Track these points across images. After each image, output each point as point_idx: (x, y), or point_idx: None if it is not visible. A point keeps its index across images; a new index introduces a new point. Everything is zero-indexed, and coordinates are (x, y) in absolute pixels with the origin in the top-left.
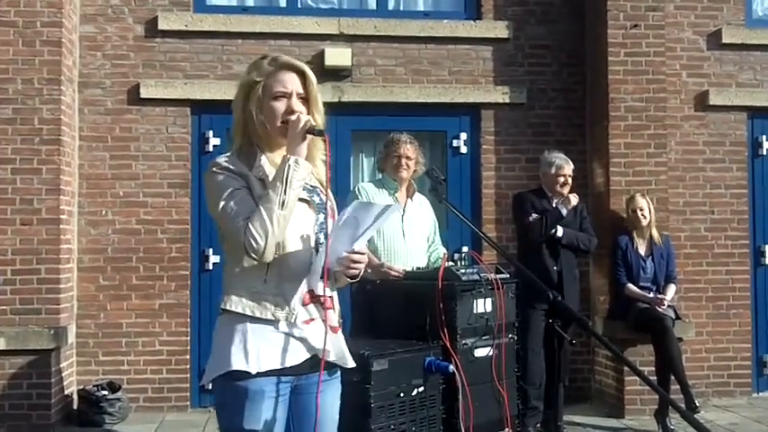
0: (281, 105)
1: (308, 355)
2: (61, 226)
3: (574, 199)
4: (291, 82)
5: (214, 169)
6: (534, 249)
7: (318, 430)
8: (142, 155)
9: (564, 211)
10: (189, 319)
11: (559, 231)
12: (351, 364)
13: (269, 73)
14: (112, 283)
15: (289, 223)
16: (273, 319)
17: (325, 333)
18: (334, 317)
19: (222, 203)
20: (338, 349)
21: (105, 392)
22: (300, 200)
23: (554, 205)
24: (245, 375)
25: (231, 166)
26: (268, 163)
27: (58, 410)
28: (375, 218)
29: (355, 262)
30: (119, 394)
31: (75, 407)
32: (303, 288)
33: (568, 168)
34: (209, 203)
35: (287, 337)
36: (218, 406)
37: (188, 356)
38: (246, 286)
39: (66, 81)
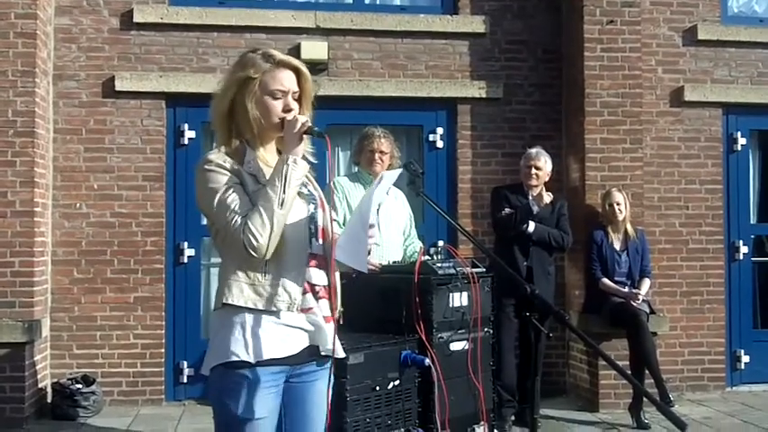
0: (278, 103)
1: (305, 345)
2: (35, 219)
3: (547, 197)
4: (289, 80)
5: (206, 166)
6: (506, 244)
7: (309, 419)
8: (117, 147)
9: (535, 209)
10: (164, 313)
11: (530, 227)
12: (341, 354)
13: (265, 70)
14: (87, 276)
15: (286, 220)
16: (275, 309)
17: (322, 322)
18: (326, 307)
19: (217, 201)
20: (331, 340)
21: (79, 386)
22: None
23: (529, 201)
24: (243, 365)
25: (224, 163)
26: (258, 158)
27: (32, 404)
28: (380, 187)
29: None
30: (93, 388)
31: (48, 400)
32: (302, 277)
33: (538, 160)
34: (201, 200)
35: (286, 327)
36: (213, 394)
37: (162, 350)
38: (247, 279)
39: (40, 73)
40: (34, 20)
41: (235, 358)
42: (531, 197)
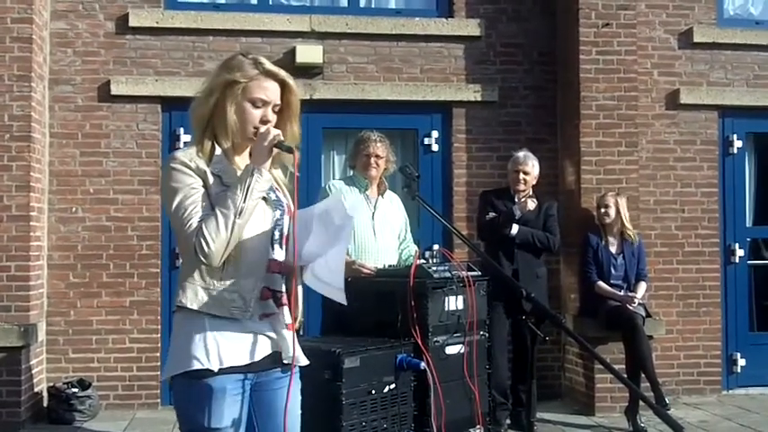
0: (257, 113)
1: (268, 351)
2: (31, 223)
3: (531, 203)
4: (273, 92)
5: (171, 164)
6: (491, 249)
7: (281, 429)
8: (113, 152)
9: (517, 213)
10: (159, 317)
11: (513, 229)
12: (303, 361)
13: (252, 76)
14: (83, 280)
15: (243, 230)
16: (228, 315)
17: (284, 329)
18: (287, 314)
19: (176, 202)
20: (293, 347)
21: (75, 390)
22: None
23: (513, 205)
24: (206, 373)
25: (189, 162)
26: (227, 160)
27: (28, 408)
28: (344, 226)
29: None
30: (89, 392)
31: (45, 404)
32: (260, 284)
33: (526, 165)
34: (164, 198)
35: (247, 333)
36: (178, 405)
37: (158, 354)
38: (203, 283)
39: (36, 78)
40: (30, 24)
41: (197, 366)
42: (517, 201)
